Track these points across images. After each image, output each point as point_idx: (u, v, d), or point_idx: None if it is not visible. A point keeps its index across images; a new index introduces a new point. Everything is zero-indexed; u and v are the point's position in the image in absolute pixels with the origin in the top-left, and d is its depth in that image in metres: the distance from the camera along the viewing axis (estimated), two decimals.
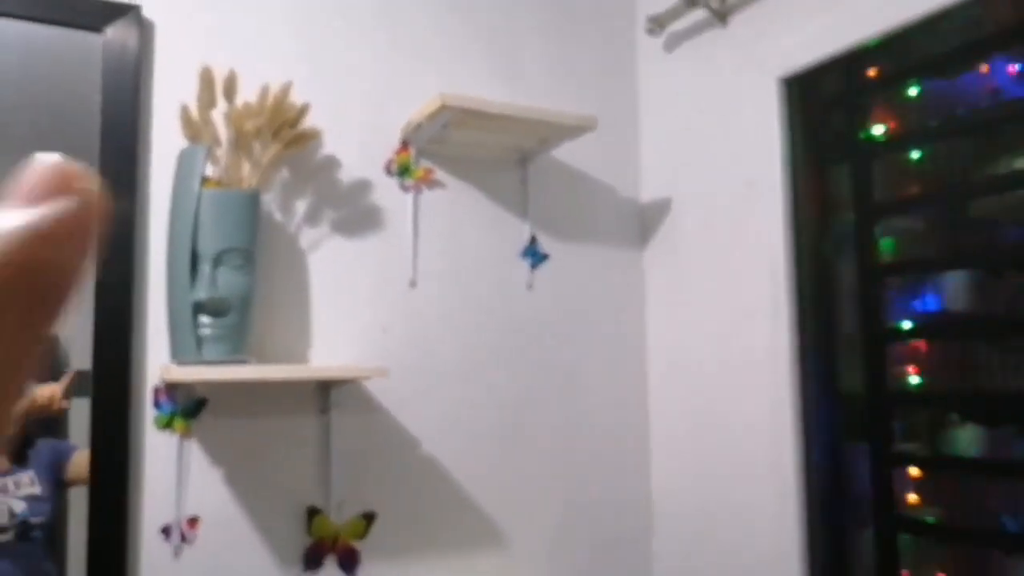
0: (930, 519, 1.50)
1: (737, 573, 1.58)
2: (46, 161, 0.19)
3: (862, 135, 1.54)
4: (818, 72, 1.50)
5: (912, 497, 1.53)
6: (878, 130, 1.53)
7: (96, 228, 0.19)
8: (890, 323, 1.52)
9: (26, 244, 0.18)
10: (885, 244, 1.56)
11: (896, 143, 1.53)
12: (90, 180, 0.19)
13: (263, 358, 1.39)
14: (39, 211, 0.18)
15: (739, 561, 1.58)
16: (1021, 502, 1.45)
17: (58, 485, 1.31)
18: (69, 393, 1.31)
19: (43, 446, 1.32)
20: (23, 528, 1.26)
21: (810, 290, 1.53)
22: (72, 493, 1.33)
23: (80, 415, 1.33)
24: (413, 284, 1.59)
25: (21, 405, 0.17)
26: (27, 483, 1.29)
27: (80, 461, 1.32)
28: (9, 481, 1.28)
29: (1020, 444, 1.47)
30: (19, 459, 1.30)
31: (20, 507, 1.27)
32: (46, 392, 1.29)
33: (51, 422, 1.34)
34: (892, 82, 1.51)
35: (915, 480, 1.54)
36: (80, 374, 1.32)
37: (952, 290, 1.59)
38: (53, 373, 1.32)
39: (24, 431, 1.30)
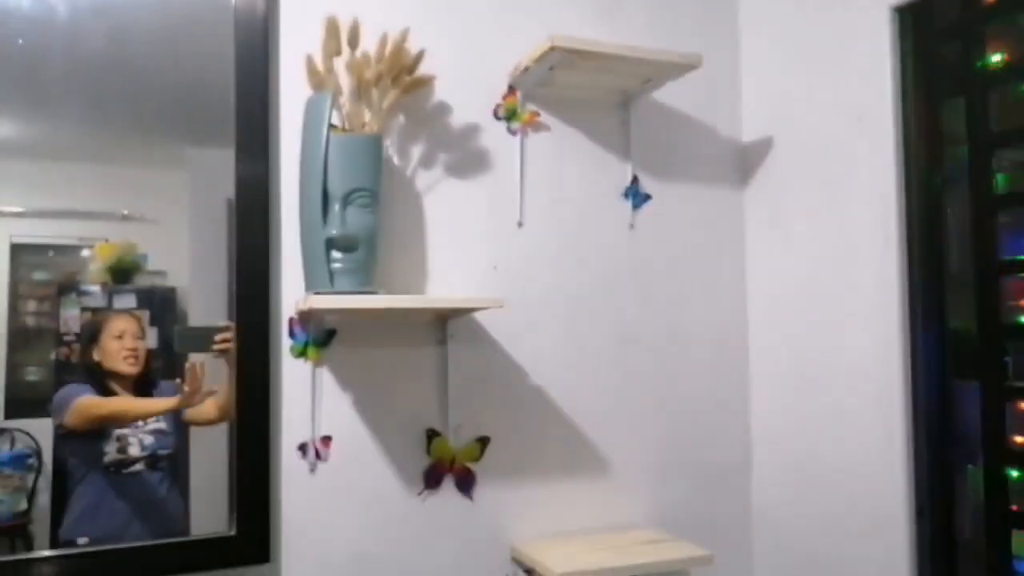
0: None
1: (840, 505, 1.61)
2: None
3: (978, 65, 1.50)
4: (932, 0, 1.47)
5: (1021, 436, 1.52)
6: (996, 59, 1.48)
7: None
8: (1004, 258, 1.49)
9: None
10: (1000, 179, 1.53)
11: (1015, 72, 1.49)
12: None
13: (388, 290, 1.49)
14: None
15: (842, 494, 1.60)
16: None
17: (178, 422, 1.44)
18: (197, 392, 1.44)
19: (166, 387, 1.45)
20: (152, 459, 1.41)
21: (920, 226, 1.51)
22: (195, 431, 1.47)
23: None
24: (521, 224, 1.65)
25: None
26: (153, 420, 1.43)
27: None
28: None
29: None
30: (146, 397, 1.45)
31: (148, 440, 1.42)
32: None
33: (171, 368, 1.46)
34: (1010, 8, 1.46)
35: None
36: (202, 331, 1.44)
37: None
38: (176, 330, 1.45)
39: (147, 372, 1.44)
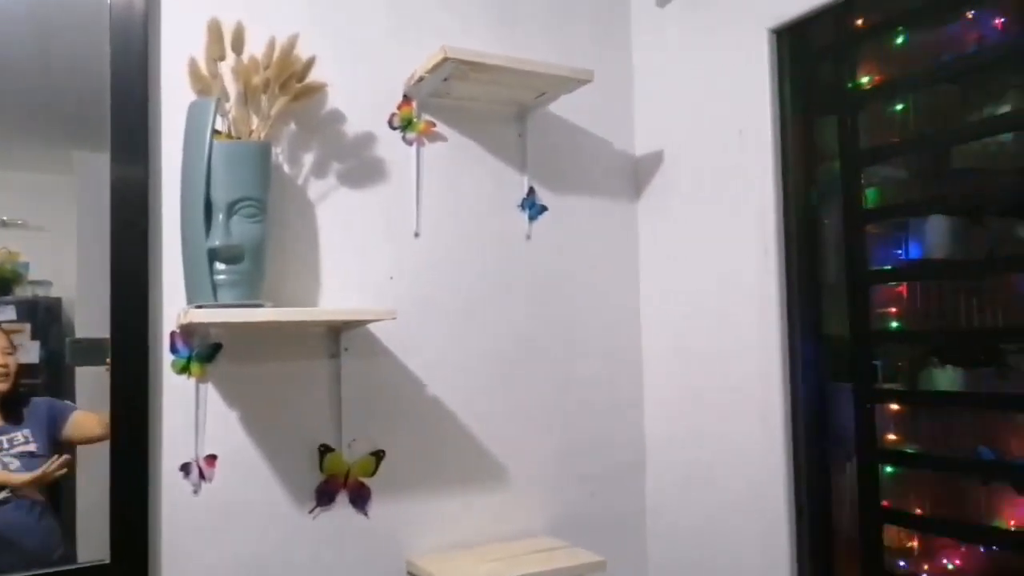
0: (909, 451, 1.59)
1: (727, 506, 1.66)
2: None
3: (850, 85, 1.59)
4: (807, 23, 1.55)
5: (892, 434, 1.61)
6: (865, 80, 1.58)
7: None
8: (873, 267, 1.59)
9: None
10: (869, 194, 1.62)
11: (882, 92, 1.58)
12: None
13: (276, 303, 1.45)
14: None
15: (728, 494, 1.66)
16: (995, 435, 1.54)
17: (55, 443, 1.35)
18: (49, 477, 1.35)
19: (39, 404, 1.36)
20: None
21: (797, 237, 1.59)
22: (83, 451, 1.38)
23: (86, 380, 1.38)
24: (417, 234, 1.64)
25: None
26: (21, 441, 1.33)
27: (79, 421, 1.37)
28: (3, 439, 1.32)
29: (993, 382, 1.55)
30: (14, 417, 1.34)
31: (15, 465, 1.31)
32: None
33: (57, 384, 1.38)
34: (879, 32, 1.56)
35: (895, 417, 1.63)
36: (91, 342, 1.36)
37: (932, 237, 1.66)
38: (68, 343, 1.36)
39: (17, 390, 1.34)
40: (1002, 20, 1.47)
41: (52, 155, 1.43)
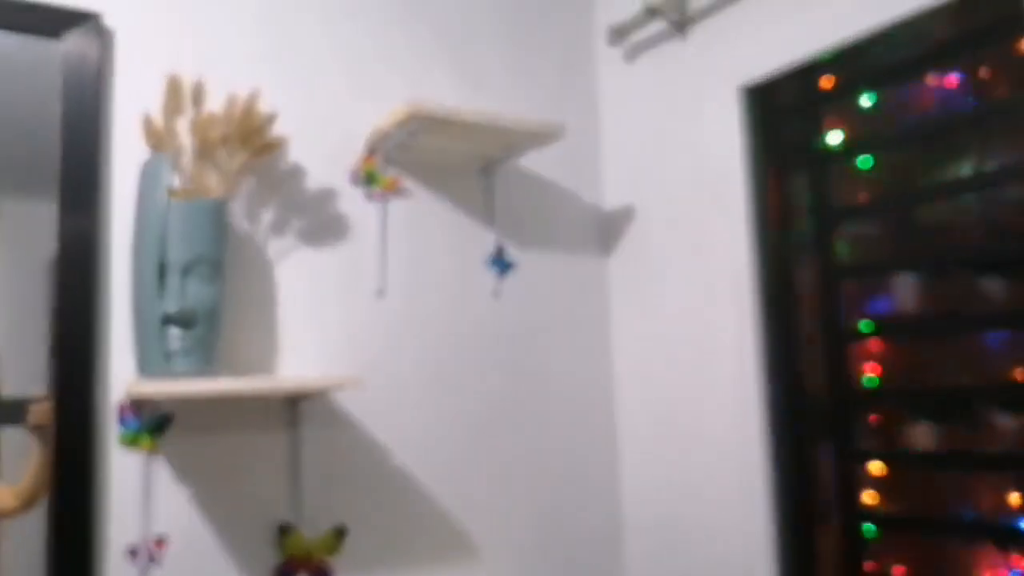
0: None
1: (709, 570, 1.60)
2: None
3: (818, 143, 1.59)
4: (776, 82, 1.55)
5: (872, 494, 1.58)
6: (833, 138, 1.58)
7: None
8: (849, 324, 1.57)
9: None
10: (841, 248, 1.62)
11: (850, 150, 1.59)
12: None
13: (231, 370, 1.36)
14: None
15: (710, 563, 1.60)
16: (974, 493, 1.52)
17: None
18: None
19: None
20: None
21: (772, 294, 1.57)
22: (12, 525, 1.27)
23: (12, 443, 1.28)
24: (381, 293, 1.58)
25: None
26: None
27: None
28: None
29: (967, 439, 1.53)
30: None
31: None
32: None
33: None
34: (845, 92, 1.57)
35: (875, 477, 1.60)
36: (10, 402, 1.26)
37: (902, 292, 1.65)
38: None
39: None
40: (959, 80, 1.49)
41: None
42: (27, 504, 1.24)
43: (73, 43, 1.34)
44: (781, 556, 1.50)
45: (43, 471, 1.25)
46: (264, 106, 1.37)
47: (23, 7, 1.31)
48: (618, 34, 1.79)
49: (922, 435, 1.57)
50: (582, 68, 1.91)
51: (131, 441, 1.31)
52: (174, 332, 1.24)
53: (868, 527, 1.53)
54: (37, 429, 1.25)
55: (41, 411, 1.25)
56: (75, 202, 1.31)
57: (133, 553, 1.29)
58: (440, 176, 1.67)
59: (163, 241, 1.24)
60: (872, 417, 1.62)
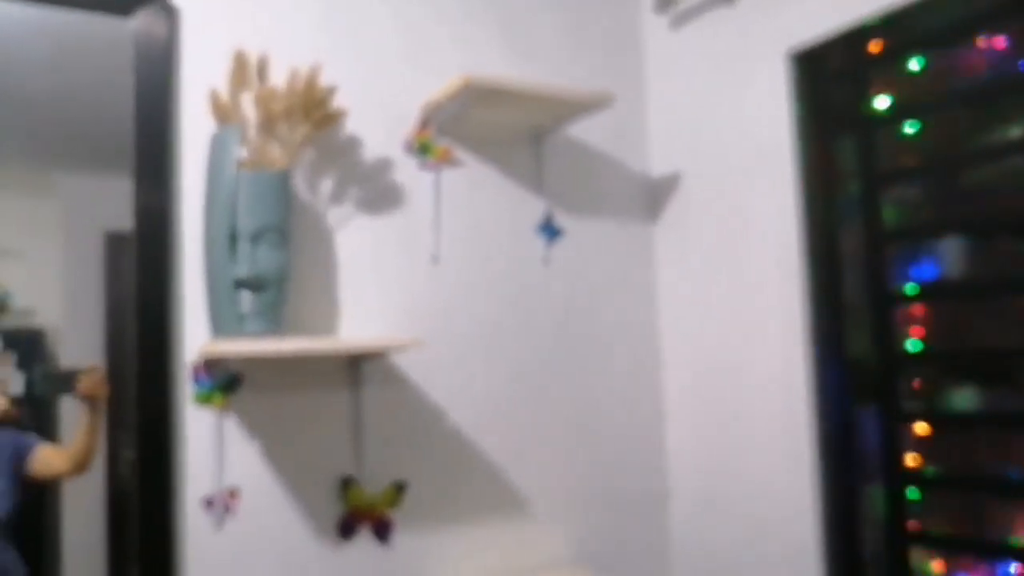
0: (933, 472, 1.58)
1: (753, 531, 1.65)
2: None
3: (865, 108, 1.59)
4: (824, 47, 1.56)
5: (915, 456, 1.60)
6: (881, 103, 1.59)
7: None
8: (894, 288, 1.59)
9: None
10: (887, 213, 1.63)
11: (898, 115, 1.59)
12: None
13: (298, 332, 1.43)
14: None
15: (754, 519, 1.64)
16: (1018, 454, 1.53)
17: (19, 479, 1.31)
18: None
19: (2, 439, 1.32)
20: None
21: (819, 258, 1.59)
22: (70, 487, 1.34)
23: (71, 411, 1.36)
24: (435, 260, 1.63)
25: None
26: None
27: (44, 457, 1.34)
28: None
29: (1012, 401, 1.54)
30: None
31: None
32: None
33: (40, 415, 1.35)
34: (894, 56, 1.57)
35: (919, 439, 1.62)
36: (63, 373, 1.34)
37: (948, 256, 1.66)
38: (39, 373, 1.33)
39: None
40: (1007, 43, 1.48)
41: (36, 178, 1.41)
42: (79, 467, 1.32)
43: (143, 20, 1.40)
44: (825, 517, 1.54)
45: (93, 437, 1.32)
46: (324, 79, 1.42)
47: None
48: (665, 2, 1.81)
49: (967, 399, 1.59)
50: (629, 37, 1.93)
51: (205, 399, 1.39)
52: (245, 295, 1.30)
53: (912, 488, 1.56)
54: (87, 398, 1.32)
55: (91, 381, 1.32)
56: (149, 174, 1.37)
57: (209, 503, 1.38)
58: (491, 146, 1.71)
59: (233, 210, 1.30)
60: (916, 380, 1.64)
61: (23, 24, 1.36)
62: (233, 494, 1.40)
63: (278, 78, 1.40)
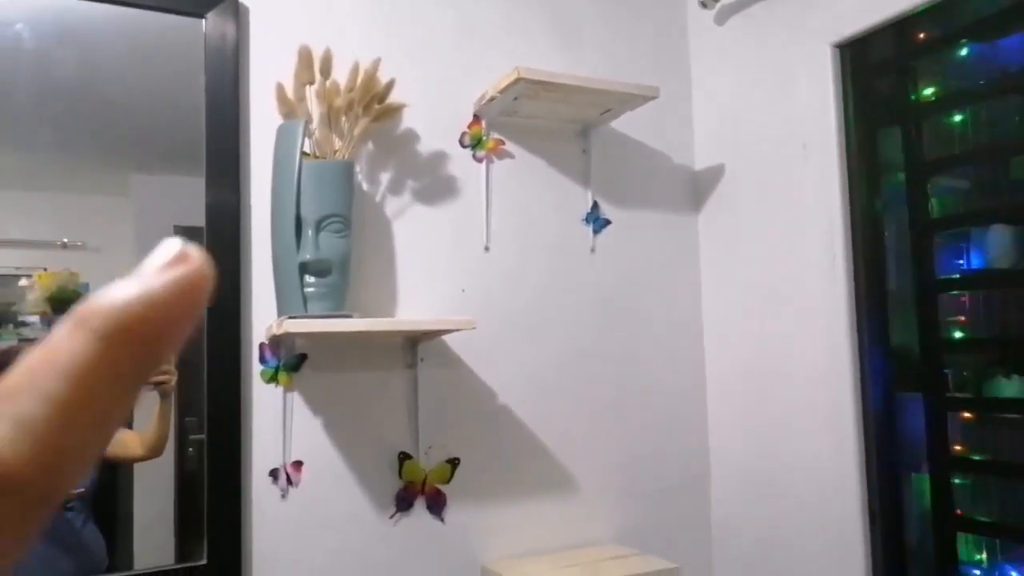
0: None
1: (795, 514, 1.68)
2: (166, 243, 0.20)
3: (911, 97, 1.61)
4: (869, 38, 1.58)
5: (962, 443, 1.61)
6: (927, 92, 1.60)
7: (203, 297, 0.20)
8: (939, 276, 1.60)
9: (141, 312, 0.19)
10: (934, 203, 1.64)
11: (946, 104, 1.61)
12: (198, 254, 0.20)
13: (359, 314, 1.51)
14: (156, 281, 0.19)
15: (796, 503, 1.67)
16: None
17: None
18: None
19: None
20: (64, 500, 1.34)
21: (864, 247, 1.61)
22: (140, 466, 1.42)
23: (143, 399, 1.44)
24: (487, 248, 1.70)
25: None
26: None
27: (121, 439, 1.40)
28: None
29: None
30: None
31: None
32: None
33: None
34: (940, 46, 1.58)
35: (965, 426, 1.63)
36: None
37: (994, 247, 1.67)
38: None
39: None
40: None
41: (110, 178, 1.50)
42: (153, 452, 1.40)
43: (214, 21, 1.48)
44: (871, 503, 1.56)
45: (165, 423, 1.40)
46: (383, 75, 1.49)
47: None
48: None
49: (1012, 387, 1.59)
50: (675, 30, 1.97)
51: (271, 377, 1.48)
52: (310, 279, 1.38)
53: (958, 475, 1.57)
54: (159, 387, 1.40)
55: (162, 371, 1.38)
56: (219, 167, 1.46)
57: (274, 475, 1.46)
58: (540, 139, 1.77)
59: (298, 199, 1.38)
60: (962, 368, 1.65)
61: (99, 26, 1.46)
62: (297, 466, 1.48)
63: (340, 73, 1.48)
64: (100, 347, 0.18)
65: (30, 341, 1.39)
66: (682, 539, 1.84)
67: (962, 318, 1.68)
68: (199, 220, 1.45)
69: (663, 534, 1.81)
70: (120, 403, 0.19)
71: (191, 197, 1.46)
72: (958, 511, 1.55)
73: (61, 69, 1.44)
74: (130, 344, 0.18)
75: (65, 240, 1.43)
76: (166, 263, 0.20)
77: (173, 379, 1.41)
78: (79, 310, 0.18)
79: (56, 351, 0.18)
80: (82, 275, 1.43)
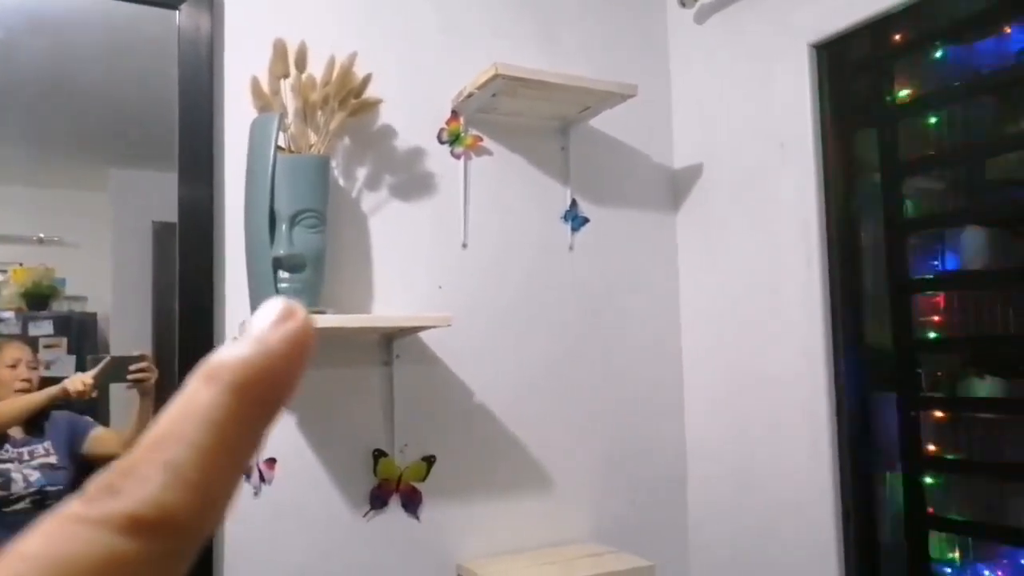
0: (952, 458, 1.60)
1: (771, 512, 1.68)
2: (270, 303, 0.22)
3: (888, 98, 1.62)
4: (846, 38, 1.59)
5: (935, 442, 1.63)
6: (903, 93, 1.61)
7: (311, 346, 0.22)
8: (913, 277, 1.61)
9: (263, 365, 0.21)
10: (908, 205, 1.65)
11: (921, 105, 1.62)
12: (302, 311, 0.22)
13: (334, 310, 1.49)
14: (271, 337, 0.21)
15: (772, 501, 1.68)
16: None
17: (74, 457, 1.37)
18: (99, 380, 1.37)
19: (60, 418, 1.37)
20: (40, 497, 1.32)
21: (839, 247, 1.62)
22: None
23: (119, 398, 1.41)
24: (464, 245, 1.69)
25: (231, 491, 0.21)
26: (42, 453, 1.34)
27: (99, 438, 1.39)
28: (24, 451, 1.33)
29: None
30: (34, 430, 1.36)
31: (35, 476, 1.32)
32: (78, 382, 1.35)
33: (91, 400, 1.39)
34: (917, 47, 1.59)
35: (938, 426, 1.64)
36: (115, 360, 1.39)
37: (969, 248, 1.68)
38: (88, 360, 1.39)
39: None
40: None
41: (87, 173, 1.48)
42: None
43: (188, 13, 1.47)
44: (844, 502, 1.57)
45: (145, 422, 1.38)
46: (360, 69, 1.48)
47: None
48: None
49: (985, 388, 1.61)
50: (654, 30, 1.97)
51: None
52: (283, 274, 1.37)
53: (931, 475, 1.58)
54: (138, 384, 1.38)
55: (141, 368, 1.38)
56: (192, 162, 1.44)
57: (247, 472, 1.45)
58: (519, 136, 1.77)
59: (273, 193, 1.37)
60: (935, 369, 1.66)
61: (72, 16, 1.44)
62: (270, 464, 1.47)
63: (316, 67, 1.47)
64: (232, 399, 0.20)
65: (4, 337, 1.37)
66: (658, 537, 1.84)
67: (936, 318, 1.69)
68: (176, 216, 1.43)
69: (640, 532, 1.81)
70: (251, 446, 0.21)
71: (169, 193, 1.43)
72: (930, 510, 1.57)
73: (34, 59, 1.42)
74: (257, 394, 0.21)
75: (42, 235, 1.41)
76: (276, 320, 0.22)
77: (153, 376, 1.39)
78: (207, 366, 0.21)
79: (193, 403, 0.20)
80: (59, 270, 1.41)
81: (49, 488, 1.33)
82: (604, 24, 1.90)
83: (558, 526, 1.72)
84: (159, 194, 1.46)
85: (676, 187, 1.95)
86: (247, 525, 1.43)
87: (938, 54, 1.60)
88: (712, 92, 1.86)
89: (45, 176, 1.47)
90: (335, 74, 1.45)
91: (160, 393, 1.40)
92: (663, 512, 1.86)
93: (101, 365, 1.37)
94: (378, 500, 1.54)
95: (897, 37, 1.60)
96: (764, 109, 1.72)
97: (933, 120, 1.67)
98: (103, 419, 1.42)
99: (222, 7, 1.51)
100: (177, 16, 1.46)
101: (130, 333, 1.43)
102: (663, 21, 1.99)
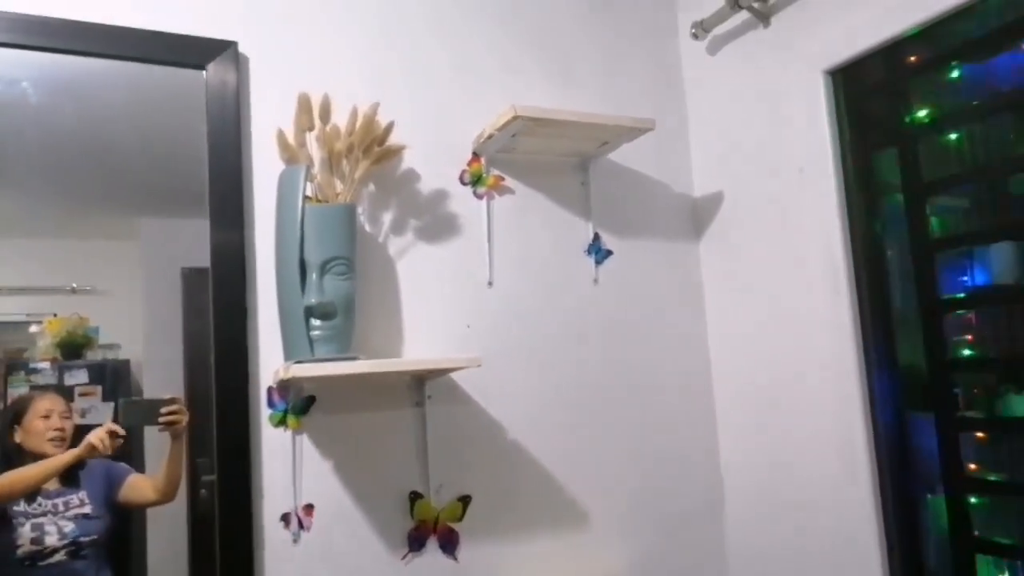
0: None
1: (810, 544, 1.66)
2: None
3: (907, 119, 1.62)
4: (861, 62, 1.60)
5: (976, 463, 1.60)
6: (922, 113, 1.62)
7: None
8: (944, 296, 1.60)
9: None
10: (934, 223, 1.65)
11: (939, 124, 1.62)
12: None
13: (365, 355, 1.51)
14: None
15: (811, 532, 1.65)
16: None
17: (110, 505, 1.38)
18: (122, 424, 1.39)
19: (96, 467, 1.38)
20: (74, 547, 1.32)
21: (865, 269, 1.61)
22: (153, 511, 1.43)
23: (154, 443, 1.43)
24: (490, 283, 1.70)
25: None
26: (77, 504, 1.35)
27: (135, 485, 1.41)
28: (59, 502, 1.34)
29: None
30: (69, 481, 1.37)
31: (69, 527, 1.33)
32: (104, 436, 1.37)
33: (126, 446, 1.41)
34: (932, 67, 1.60)
35: (978, 446, 1.61)
36: (142, 403, 1.42)
37: (998, 262, 1.66)
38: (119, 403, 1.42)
39: None
40: None
41: (118, 223, 1.52)
42: (166, 496, 1.39)
43: (214, 71, 1.51)
44: (888, 527, 1.54)
45: (177, 465, 1.40)
46: (382, 117, 1.52)
47: (174, 41, 1.48)
48: (701, 28, 1.88)
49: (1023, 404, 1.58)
50: (668, 62, 2.00)
51: (279, 421, 1.48)
52: (315, 322, 1.39)
53: (974, 495, 1.55)
54: (169, 427, 1.39)
55: (172, 411, 1.39)
56: (222, 213, 1.48)
57: (286, 519, 1.46)
58: (539, 173, 1.79)
59: (302, 243, 1.40)
60: (972, 387, 1.64)
61: (102, 80, 1.49)
62: (308, 510, 1.48)
63: (340, 118, 1.50)
64: None
65: (41, 388, 1.40)
66: (698, 568, 1.82)
67: (969, 336, 1.67)
68: (206, 261, 1.46)
69: (678, 564, 1.79)
70: None
71: (197, 239, 1.47)
72: (975, 532, 1.54)
73: (66, 121, 1.47)
74: None
75: (74, 285, 1.45)
76: None
77: (185, 419, 1.40)
78: None
79: None
80: (92, 319, 1.44)
81: (83, 539, 1.34)
82: (618, 59, 1.93)
83: (595, 562, 1.71)
84: (187, 241, 1.49)
85: (697, 216, 1.96)
86: (287, 572, 1.44)
87: (953, 74, 1.60)
88: (728, 121, 1.88)
89: (77, 228, 1.51)
90: (359, 123, 1.48)
91: (192, 436, 1.42)
92: (701, 543, 1.84)
93: (121, 409, 1.39)
94: (416, 542, 1.55)
95: (911, 59, 1.61)
96: (781, 135, 1.73)
97: (953, 138, 1.67)
98: (138, 463, 1.44)
99: (247, 64, 1.55)
100: (204, 75, 1.50)
101: (162, 378, 1.46)
102: (676, 52, 2.01)
